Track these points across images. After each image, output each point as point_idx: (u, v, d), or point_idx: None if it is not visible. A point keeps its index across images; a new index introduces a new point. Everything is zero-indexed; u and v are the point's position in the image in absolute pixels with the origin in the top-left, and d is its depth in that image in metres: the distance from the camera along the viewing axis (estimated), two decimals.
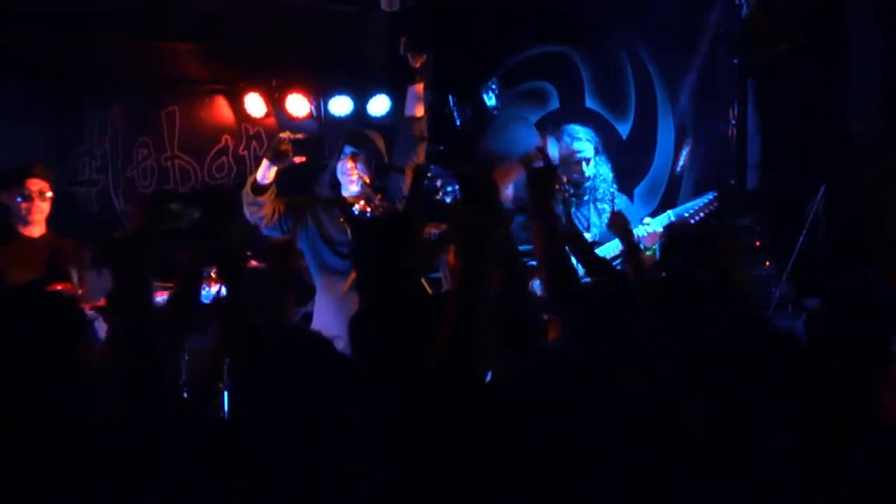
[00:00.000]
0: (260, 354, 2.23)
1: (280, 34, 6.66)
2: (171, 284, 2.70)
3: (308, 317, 4.82)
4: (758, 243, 5.19)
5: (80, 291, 4.62)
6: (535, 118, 6.74)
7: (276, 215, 4.58)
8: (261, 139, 7.15)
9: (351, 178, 4.60)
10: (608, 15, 6.18)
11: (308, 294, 4.81)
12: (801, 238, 4.96)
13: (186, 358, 3.98)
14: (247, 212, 4.55)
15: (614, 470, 2.13)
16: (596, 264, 3.50)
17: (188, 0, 6.38)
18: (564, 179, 4.90)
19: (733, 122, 5.71)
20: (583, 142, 5.16)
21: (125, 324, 2.35)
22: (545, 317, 3.09)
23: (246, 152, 7.19)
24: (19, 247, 4.59)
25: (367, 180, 4.58)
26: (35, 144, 6.62)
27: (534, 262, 3.08)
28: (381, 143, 4.73)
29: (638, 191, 6.17)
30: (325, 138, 4.70)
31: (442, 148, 5.00)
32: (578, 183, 5.13)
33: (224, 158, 7.20)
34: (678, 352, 2.43)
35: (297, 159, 4.55)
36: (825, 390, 2.50)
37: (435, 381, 2.26)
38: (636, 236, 4.53)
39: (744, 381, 2.42)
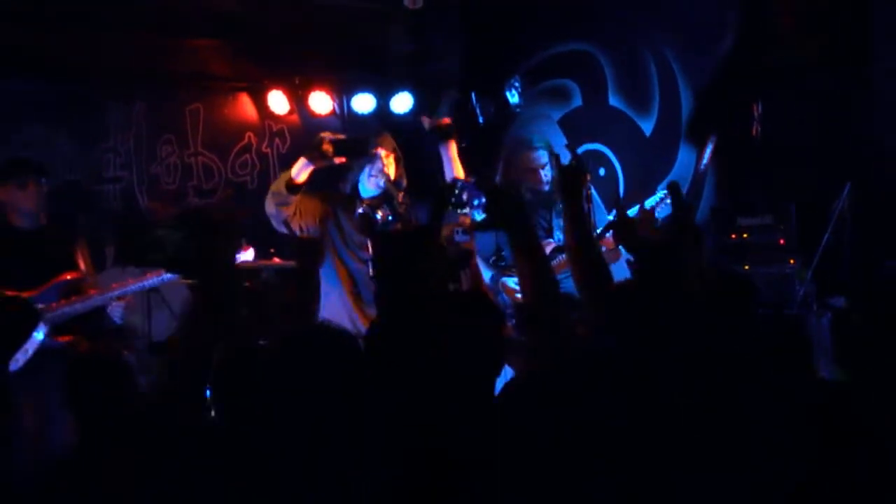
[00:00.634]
0: (290, 350, 2.24)
1: (303, 31, 6.68)
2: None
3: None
4: (782, 241, 5.16)
5: (89, 279, 4.64)
6: (557, 116, 6.73)
7: (298, 215, 4.60)
8: (284, 136, 7.18)
9: (381, 176, 4.59)
10: (632, 14, 6.17)
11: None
12: (826, 236, 4.93)
13: None
14: (271, 207, 4.57)
15: (622, 469, 2.12)
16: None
17: None
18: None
19: (756, 120, 5.67)
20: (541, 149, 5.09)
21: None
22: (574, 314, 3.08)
23: (269, 149, 7.22)
24: (14, 239, 4.57)
25: (392, 177, 4.60)
26: (59, 141, 6.68)
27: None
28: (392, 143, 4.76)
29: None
30: (368, 140, 4.69)
31: (465, 145, 4.98)
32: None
33: (247, 156, 7.24)
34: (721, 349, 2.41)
35: (338, 160, 4.54)
36: (854, 390, 2.48)
37: (444, 381, 2.27)
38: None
39: (743, 379, 2.41)
